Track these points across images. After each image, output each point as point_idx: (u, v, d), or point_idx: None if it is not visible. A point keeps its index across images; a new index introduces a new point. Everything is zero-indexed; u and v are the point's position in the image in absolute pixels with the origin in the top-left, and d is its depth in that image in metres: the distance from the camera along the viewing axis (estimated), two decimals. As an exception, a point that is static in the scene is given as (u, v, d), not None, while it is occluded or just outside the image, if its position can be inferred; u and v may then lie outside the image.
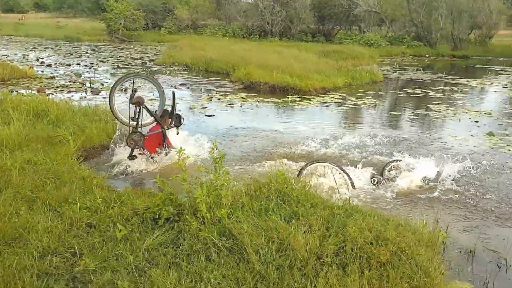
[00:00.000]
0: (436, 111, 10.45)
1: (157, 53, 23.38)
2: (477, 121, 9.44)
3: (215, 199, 3.47)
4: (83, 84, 12.51)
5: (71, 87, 11.97)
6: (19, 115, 6.56)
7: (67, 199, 4.12)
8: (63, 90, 11.41)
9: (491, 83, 16.32)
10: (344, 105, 10.96)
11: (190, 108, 9.86)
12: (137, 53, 23.65)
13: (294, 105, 10.78)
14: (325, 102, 11.31)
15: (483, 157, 6.69)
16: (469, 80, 17.15)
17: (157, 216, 3.65)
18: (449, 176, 5.62)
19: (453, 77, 17.93)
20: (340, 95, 12.38)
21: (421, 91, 13.72)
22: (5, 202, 3.88)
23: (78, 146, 5.94)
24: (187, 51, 19.59)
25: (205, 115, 9.19)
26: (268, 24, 33.30)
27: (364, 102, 11.34)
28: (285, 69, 14.27)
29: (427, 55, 29.05)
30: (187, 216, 3.37)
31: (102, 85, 12.60)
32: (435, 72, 19.86)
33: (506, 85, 15.76)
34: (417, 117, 9.80)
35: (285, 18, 32.99)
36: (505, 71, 21.55)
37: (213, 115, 9.22)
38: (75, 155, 5.69)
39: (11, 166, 4.75)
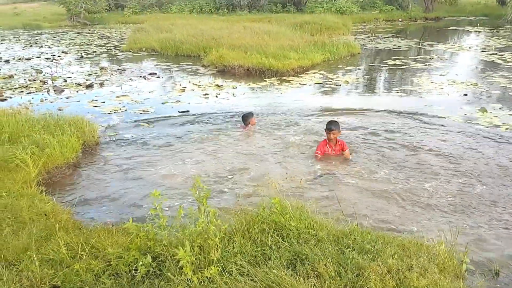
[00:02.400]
0: (421, 85, 9.99)
1: (123, 37, 22.18)
2: (466, 95, 9.03)
3: (201, 246, 2.89)
4: (44, 82, 11.54)
5: (31, 87, 11.01)
6: (-33, 136, 5.78)
7: (27, 248, 3.49)
8: (22, 92, 10.47)
9: (470, 47, 15.95)
10: (326, 85, 10.37)
11: (162, 103, 9.12)
12: (101, 38, 22.37)
13: (272, 90, 10.14)
14: (305, 84, 10.70)
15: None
16: (446, 45, 16.76)
17: (133, 269, 3.06)
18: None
19: (430, 43, 17.52)
20: (319, 73, 11.79)
21: (402, 62, 13.24)
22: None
23: (39, 169, 5.24)
24: (154, 34, 18.53)
25: (179, 112, 8.49)
26: (236, -4, 32.12)
27: (346, 81, 10.78)
28: (260, 48, 13.55)
29: (400, 20, 28.57)
30: (169, 273, 2.79)
31: (65, 81, 11.67)
32: (411, 38, 19.41)
33: (485, 48, 15.41)
34: (404, 95, 9.29)
35: (254, -11, 31.87)
36: (478, 31, 21.25)
37: (188, 111, 8.52)
38: (35, 181, 5.02)
39: (-42, 207, 4.07)
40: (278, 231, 3.27)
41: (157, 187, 5.15)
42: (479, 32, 21.09)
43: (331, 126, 5.69)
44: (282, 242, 3.13)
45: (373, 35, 20.14)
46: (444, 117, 7.51)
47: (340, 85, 10.36)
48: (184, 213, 3.06)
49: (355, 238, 3.22)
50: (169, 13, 32.12)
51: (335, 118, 6.46)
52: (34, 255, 3.14)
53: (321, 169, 5.47)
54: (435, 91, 9.43)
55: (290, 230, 3.23)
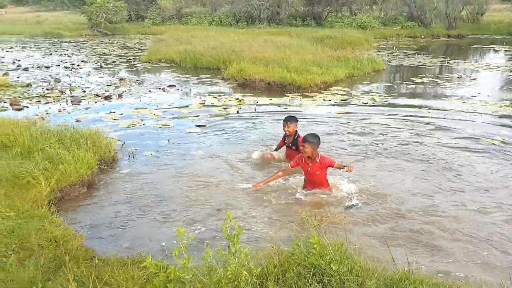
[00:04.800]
0: (452, 106, 9.50)
1: (142, 48, 22.14)
2: (501, 117, 8.51)
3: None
4: (62, 92, 11.35)
5: (49, 96, 10.81)
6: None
7: (33, 282, 3.13)
8: (39, 101, 10.25)
9: (498, 67, 15.39)
10: (352, 103, 9.93)
11: (181, 117, 8.80)
12: (121, 48, 22.36)
13: (295, 106, 9.75)
14: (329, 100, 10.29)
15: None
16: (473, 64, 16.24)
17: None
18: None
19: (456, 60, 17.01)
20: (343, 90, 11.38)
21: (429, 80, 12.76)
22: None
23: (51, 186, 4.91)
24: (174, 46, 18.36)
25: (196, 125, 8.17)
26: (255, 9, 31.99)
27: (373, 98, 10.34)
28: (281, 62, 13.22)
29: (422, 36, 28.10)
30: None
31: (84, 91, 11.46)
32: (435, 55, 18.90)
33: (515, 69, 14.83)
34: (435, 115, 8.78)
35: (273, 2, 31.69)
36: (506, 50, 20.63)
37: (205, 125, 8.18)
38: (47, 200, 4.68)
39: (-37, 229, 3.74)
40: (318, 276, 2.85)
41: (176, 210, 4.80)
42: (506, 51, 20.48)
43: (306, 137, 4.96)
44: (323, 291, 2.71)
45: (397, 51, 19.70)
46: (481, 140, 7.02)
47: (367, 103, 9.91)
48: (211, 254, 2.66)
49: (406, 289, 2.78)
50: (189, 25, 32.16)
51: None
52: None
53: (351, 198, 5.03)
54: (468, 112, 8.93)
55: (332, 276, 2.80)
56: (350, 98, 10.43)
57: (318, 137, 5.05)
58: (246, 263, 2.60)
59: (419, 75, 13.60)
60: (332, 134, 7.52)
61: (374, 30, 27.73)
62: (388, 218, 4.53)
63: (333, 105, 9.83)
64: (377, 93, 11.05)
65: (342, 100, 10.26)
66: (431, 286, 2.86)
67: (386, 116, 8.80)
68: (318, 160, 5.00)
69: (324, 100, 10.30)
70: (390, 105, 9.76)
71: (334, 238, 3.24)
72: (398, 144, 6.94)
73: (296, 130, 5.99)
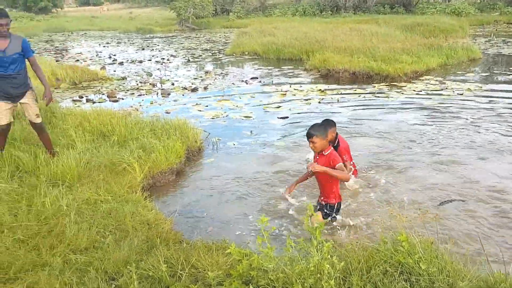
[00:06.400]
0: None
1: (227, 41, 22.65)
2: None
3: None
4: (153, 85, 12.01)
5: (142, 89, 11.50)
6: (81, 136, 5.99)
7: (127, 261, 3.35)
8: (133, 94, 10.94)
9: None
10: (445, 94, 9.32)
11: (263, 109, 8.88)
12: (207, 42, 23.09)
13: (383, 98, 9.37)
14: (420, 91, 9.75)
15: None
16: None
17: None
18: None
19: None
20: (435, 80, 10.73)
21: (533, 69, 11.62)
22: (52, 274, 3.18)
23: (144, 173, 5.21)
24: (257, 38, 18.55)
25: (278, 117, 8.19)
26: (341, -2, 31.29)
27: (469, 89, 9.63)
28: (368, 51, 12.80)
29: (525, 22, 25.62)
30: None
31: (173, 84, 12.01)
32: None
33: None
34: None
35: (359, -10, 30.78)
36: None
37: (287, 117, 8.17)
38: (140, 186, 4.99)
39: (67, 210, 4.11)
40: (405, 274, 2.72)
41: (257, 199, 4.86)
42: None
43: (310, 131, 3.86)
44: (411, 290, 2.58)
45: (495, 39, 18.14)
46: None
47: (462, 93, 9.25)
48: (293, 245, 2.65)
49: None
50: (272, 17, 32.32)
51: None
52: (134, 274, 2.94)
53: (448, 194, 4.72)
54: None
55: (420, 275, 2.66)
56: (444, 88, 9.80)
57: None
58: (329, 256, 2.56)
59: (521, 63, 12.44)
60: (425, 125, 7.15)
61: (470, 17, 25.82)
62: (485, 217, 4.20)
63: (424, 95, 9.32)
64: (473, 83, 10.27)
65: (434, 90, 9.69)
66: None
67: (484, 108, 8.15)
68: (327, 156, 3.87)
69: (414, 90, 9.80)
70: (487, 96, 9.02)
71: (424, 236, 3.07)
72: (500, 138, 6.40)
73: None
